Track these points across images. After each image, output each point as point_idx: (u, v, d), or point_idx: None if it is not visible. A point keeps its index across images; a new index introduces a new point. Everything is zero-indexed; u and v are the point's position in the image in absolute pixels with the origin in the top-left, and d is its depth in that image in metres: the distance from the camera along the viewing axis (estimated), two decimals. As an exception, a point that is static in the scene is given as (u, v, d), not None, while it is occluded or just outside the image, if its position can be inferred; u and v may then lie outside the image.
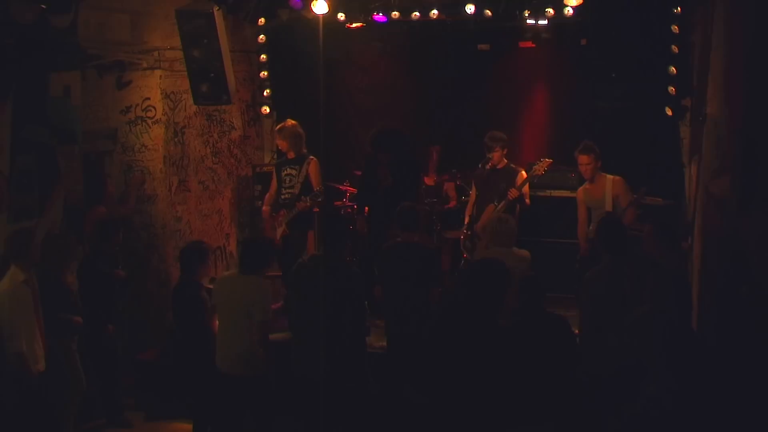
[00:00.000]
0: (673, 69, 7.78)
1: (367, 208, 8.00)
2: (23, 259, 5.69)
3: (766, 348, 4.36)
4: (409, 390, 5.47)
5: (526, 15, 7.86)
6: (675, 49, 7.80)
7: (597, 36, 8.05)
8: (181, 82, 8.23)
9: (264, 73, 9.18)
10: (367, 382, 5.51)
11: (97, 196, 7.69)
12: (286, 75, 9.25)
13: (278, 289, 7.17)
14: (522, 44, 8.75)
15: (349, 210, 8.47)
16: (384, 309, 6.32)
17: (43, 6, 6.37)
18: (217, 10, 7.53)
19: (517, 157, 8.04)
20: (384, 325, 6.41)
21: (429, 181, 8.53)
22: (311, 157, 7.62)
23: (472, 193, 7.79)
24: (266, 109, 9.27)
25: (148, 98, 8.23)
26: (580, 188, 7.34)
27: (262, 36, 9.10)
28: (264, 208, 7.77)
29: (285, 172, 7.64)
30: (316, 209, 7.47)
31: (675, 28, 7.79)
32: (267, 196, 7.86)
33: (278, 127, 7.70)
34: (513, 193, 7.27)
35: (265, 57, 9.17)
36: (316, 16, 7.55)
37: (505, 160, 7.55)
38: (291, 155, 7.61)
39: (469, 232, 7.57)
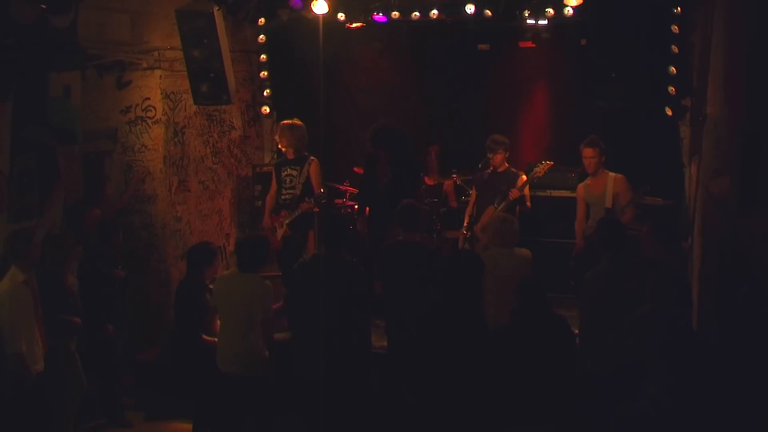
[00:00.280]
0: (673, 69, 7.78)
1: (368, 208, 8.00)
2: (23, 259, 5.69)
3: (766, 348, 4.36)
4: (406, 390, 5.47)
5: (526, 15, 7.86)
6: (675, 49, 7.80)
7: (597, 36, 8.04)
8: (181, 82, 8.23)
9: (264, 73, 9.18)
10: (370, 382, 5.51)
11: (95, 197, 7.68)
12: (286, 75, 9.25)
13: (278, 289, 7.17)
14: (522, 44, 8.76)
15: (349, 210, 8.47)
16: (385, 308, 6.31)
17: (43, 6, 6.37)
18: (217, 10, 7.53)
19: (517, 157, 8.05)
20: (384, 325, 6.41)
21: (429, 181, 8.53)
22: (312, 157, 7.62)
23: (472, 194, 7.79)
24: (266, 109, 9.28)
25: (148, 98, 8.23)
26: (581, 184, 7.35)
27: (262, 36, 9.11)
28: (265, 218, 7.75)
29: (285, 172, 7.63)
30: (316, 209, 7.47)
31: (675, 28, 7.79)
32: (268, 198, 7.83)
33: (286, 124, 7.63)
34: (514, 194, 7.27)
35: (265, 57, 9.17)
36: (316, 16, 7.55)
37: (507, 164, 7.55)
38: (291, 155, 7.60)
39: (468, 233, 7.57)
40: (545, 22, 7.89)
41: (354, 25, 8.56)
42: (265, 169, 8.93)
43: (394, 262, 6.15)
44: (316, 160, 7.63)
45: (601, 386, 5.15)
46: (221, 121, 9.03)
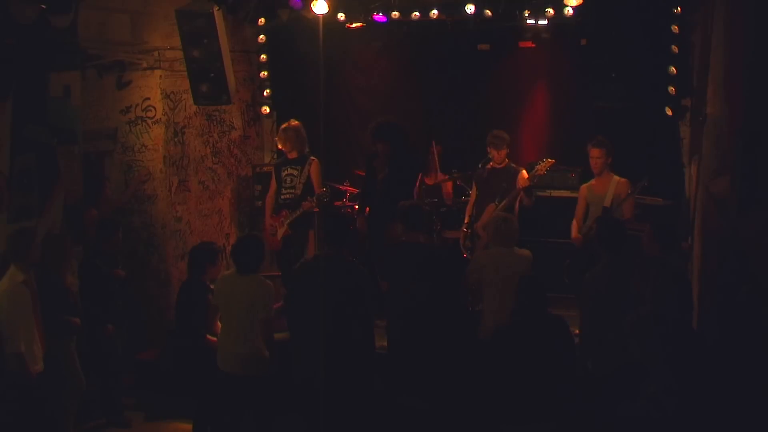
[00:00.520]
0: (673, 69, 7.79)
1: (368, 209, 8.00)
2: (23, 259, 5.68)
3: (766, 348, 4.36)
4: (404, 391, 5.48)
5: (526, 15, 7.86)
6: (675, 49, 7.80)
7: (597, 36, 8.06)
8: (181, 82, 8.23)
9: (264, 73, 9.18)
10: (372, 383, 5.50)
11: (95, 198, 7.67)
12: (286, 75, 9.25)
13: (278, 289, 7.17)
14: (522, 44, 8.75)
15: (349, 210, 8.47)
16: (387, 309, 6.30)
17: (43, 6, 6.37)
18: (217, 10, 7.53)
19: (518, 157, 8.05)
20: (385, 325, 6.40)
21: (429, 180, 8.54)
22: (312, 157, 7.62)
23: (473, 192, 7.79)
24: (266, 109, 9.28)
25: (148, 98, 8.23)
26: (585, 185, 7.32)
27: (262, 36, 9.11)
28: (267, 218, 7.75)
29: (286, 172, 7.63)
30: (316, 209, 7.47)
31: (675, 28, 7.79)
32: (267, 198, 7.83)
33: (284, 126, 7.67)
34: (522, 183, 7.22)
35: (265, 57, 9.17)
36: (316, 16, 7.55)
37: (507, 160, 7.56)
38: (293, 155, 7.61)
39: (468, 231, 7.57)
40: (545, 22, 7.89)
41: (354, 25, 8.56)
42: (265, 169, 8.93)
43: (398, 263, 6.12)
44: (316, 160, 7.63)
45: (602, 386, 5.15)
46: (221, 121, 9.02)
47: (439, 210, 8.24)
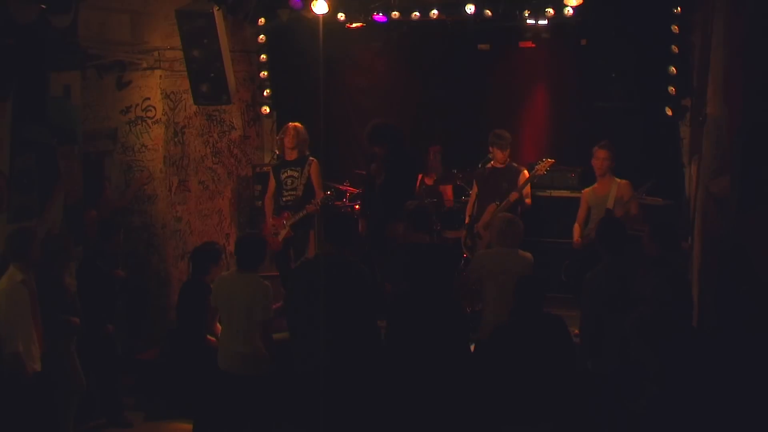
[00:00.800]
0: (673, 69, 7.79)
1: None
2: (22, 259, 5.68)
3: (766, 348, 4.36)
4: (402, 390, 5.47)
5: (526, 15, 7.87)
6: (675, 49, 7.81)
7: (597, 36, 8.06)
8: (181, 82, 8.23)
9: (264, 73, 9.19)
10: (367, 381, 5.49)
11: (95, 199, 7.67)
12: (286, 75, 9.26)
13: (277, 290, 7.17)
14: (522, 44, 8.76)
15: (350, 210, 8.47)
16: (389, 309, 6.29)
17: (43, 6, 6.36)
18: (217, 10, 7.53)
19: (517, 157, 8.05)
20: (386, 325, 6.39)
21: (429, 181, 8.54)
22: (312, 158, 7.63)
23: (473, 191, 7.79)
24: (266, 109, 9.28)
25: (148, 98, 8.23)
26: (588, 189, 7.32)
27: (262, 36, 9.11)
28: (268, 219, 7.76)
29: (285, 174, 7.63)
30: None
31: (675, 28, 7.80)
32: (267, 199, 7.83)
33: (293, 126, 7.64)
34: (513, 196, 7.28)
35: (265, 57, 9.18)
36: (316, 16, 7.55)
37: (508, 159, 7.56)
38: (292, 157, 7.61)
39: (472, 230, 7.57)
40: (545, 22, 7.90)
41: (354, 25, 8.56)
42: (265, 169, 8.92)
43: (403, 264, 6.10)
44: (315, 160, 7.63)
45: (602, 386, 5.15)
46: (221, 121, 9.03)
47: (439, 210, 8.24)
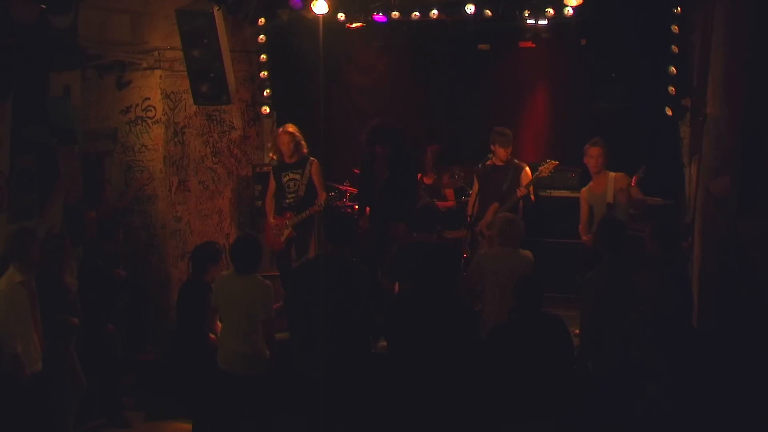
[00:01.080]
0: (673, 69, 7.79)
1: (368, 208, 8.00)
2: (22, 259, 5.68)
3: (766, 348, 4.36)
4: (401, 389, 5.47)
5: (526, 15, 7.87)
6: (675, 49, 7.81)
7: (597, 36, 8.06)
8: (181, 82, 8.23)
9: (264, 73, 9.19)
10: (366, 381, 5.49)
11: (94, 200, 7.67)
12: (286, 75, 9.25)
13: (277, 290, 7.17)
14: (522, 44, 8.76)
15: (350, 210, 8.48)
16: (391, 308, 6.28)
17: (43, 6, 6.36)
18: (217, 10, 7.53)
19: (518, 157, 8.04)
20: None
21: (427, 180, 8.54)
22: (312, 159, 7.63)
23: (474, 188, 7.78)
24: (266, 109, 9.28)
25: (148, 98, 8.23)
26: (584, 188, 7.35)
27: (262, 36, 9.11)
28: (269, 220, 7.75)
29: (287, 177, 7.64)
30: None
31: (675, 28, 7.80)
32: (267, 200, 7.84)
33: (280, 133, 7.67)
34: (521, 192, 7.30)
35: (265, 57, 9.18)
36: (316, 16, 7.55)
37: (509, 157, 7.57)
38: (293, 159, 7.62)
39: (476, 229, 7.57)
40: (545, 22, 7.91)
41: (354, 25, 8.57)
42: (265, 169, 8.93)
43: (411, 263, 6.10)
44: (316, 161, 7.64)
45: (602, 386, 5.15)
46: (221, 121, 9.03)
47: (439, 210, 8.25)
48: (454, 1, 8.00)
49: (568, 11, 7.64)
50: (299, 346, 5.48)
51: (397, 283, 6.71)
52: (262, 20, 8.86)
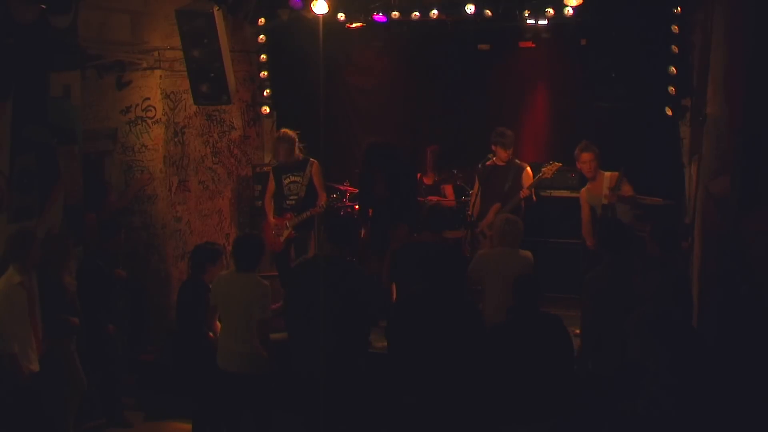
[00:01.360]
0: (673, 69, 7.79)
1: (370, 210, 8.00)
2: (22, 260, 5.68)
3: (766, 348, 4.36)
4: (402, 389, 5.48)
5: (526, 15, 7.87)
6: (675, 49, 7.81)
7: (597, 36, 8.06)
8: (181, 82, 8.23)
9: (264, 73, 9.18)
10: (361, 380, 5.48)
11: (97, 203, 7.65)
12: (286, 75, 9.25)
13: (276, 290, 7.17)
14: (522, 44, 8.76)
15: (349, 210, 8.48)
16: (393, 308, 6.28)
17: (43, 6, 6.36)
18: (217, 10, 7.53)
19: (518, 157, 8.05)
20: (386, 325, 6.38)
21: (427, 180, 8.54)
22: (312, 159, 7.64)
23: (475, 188, 7.78)
24: (266, 109, 9.28)
25: (148, 98, 8.23)
26: (583, 189, 7.36)
27: (262, 36, 9.11)
28: (269, 220, 7.76)
29: (288, 179, 7.66)
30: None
31: (675, 28, 7.80)
32: (267, 200, 7.84)
33: (276, 140, 7.72)
34: (524, 193, 7.31)
35: (265, 57, 9.17)
36: (316, 16, 7.56)
37: (510, 157, 7.57)
38: (291, 161, 7.63)
39: (476, 229, 7.57)
40: (545, 22, 7.90)
41: (354, 25, 8.57)
42: (265, 169, 8.93)
43: (417, 262, 6.09)
44: (316, 162, 7.66)
45: (602, 386, 5.15)
46: (221, 121, 9.03)
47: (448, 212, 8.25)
48: (454, 1, 8.00)
49: (568, 11, 7.63)
50: (297, 346, 5.48)
51: (394, 285, 6.69)
52: (262, 20, 8.86)
